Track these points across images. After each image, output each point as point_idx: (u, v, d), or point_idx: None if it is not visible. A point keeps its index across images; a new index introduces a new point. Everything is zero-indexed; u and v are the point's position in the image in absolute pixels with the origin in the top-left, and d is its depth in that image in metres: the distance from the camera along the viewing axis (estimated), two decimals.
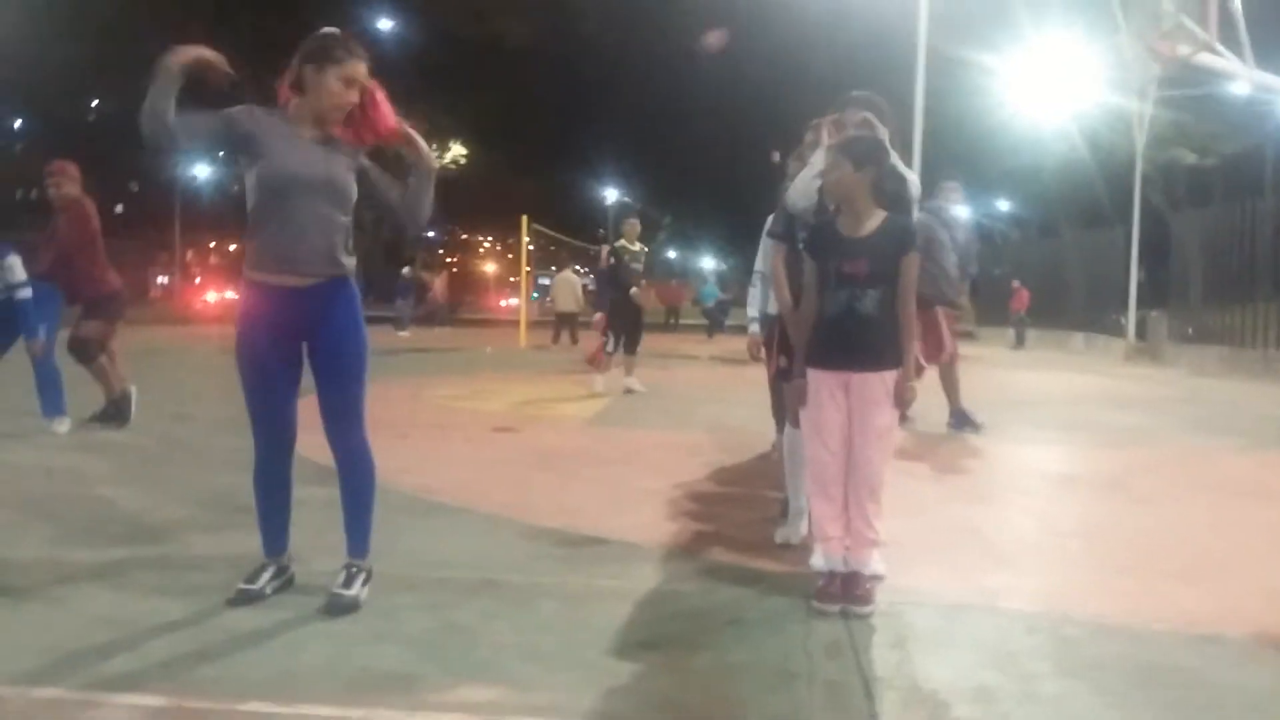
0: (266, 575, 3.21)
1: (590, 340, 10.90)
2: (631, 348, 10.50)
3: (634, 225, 10.87)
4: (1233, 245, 17.65)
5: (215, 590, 3.20)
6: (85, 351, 6.66)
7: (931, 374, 7.48)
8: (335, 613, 3.05)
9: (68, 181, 6.57)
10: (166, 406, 7.84)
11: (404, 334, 23.85)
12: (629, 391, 10.09)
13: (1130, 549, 4.22)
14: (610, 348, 10.38)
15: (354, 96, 3.11)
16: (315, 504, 3.81)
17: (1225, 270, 17.97)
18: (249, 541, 3.33)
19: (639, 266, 10.55)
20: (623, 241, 10.72)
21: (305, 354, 3.16)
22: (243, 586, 3.16)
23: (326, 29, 3.20)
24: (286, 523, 3.30)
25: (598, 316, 11.41)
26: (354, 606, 3.09)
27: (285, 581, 3.26)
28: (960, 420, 7.66)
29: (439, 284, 28.09)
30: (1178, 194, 31.27)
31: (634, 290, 10.35)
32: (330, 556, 3.57)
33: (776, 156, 4.67)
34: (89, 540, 3.89)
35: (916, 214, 7.94)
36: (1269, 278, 16.27)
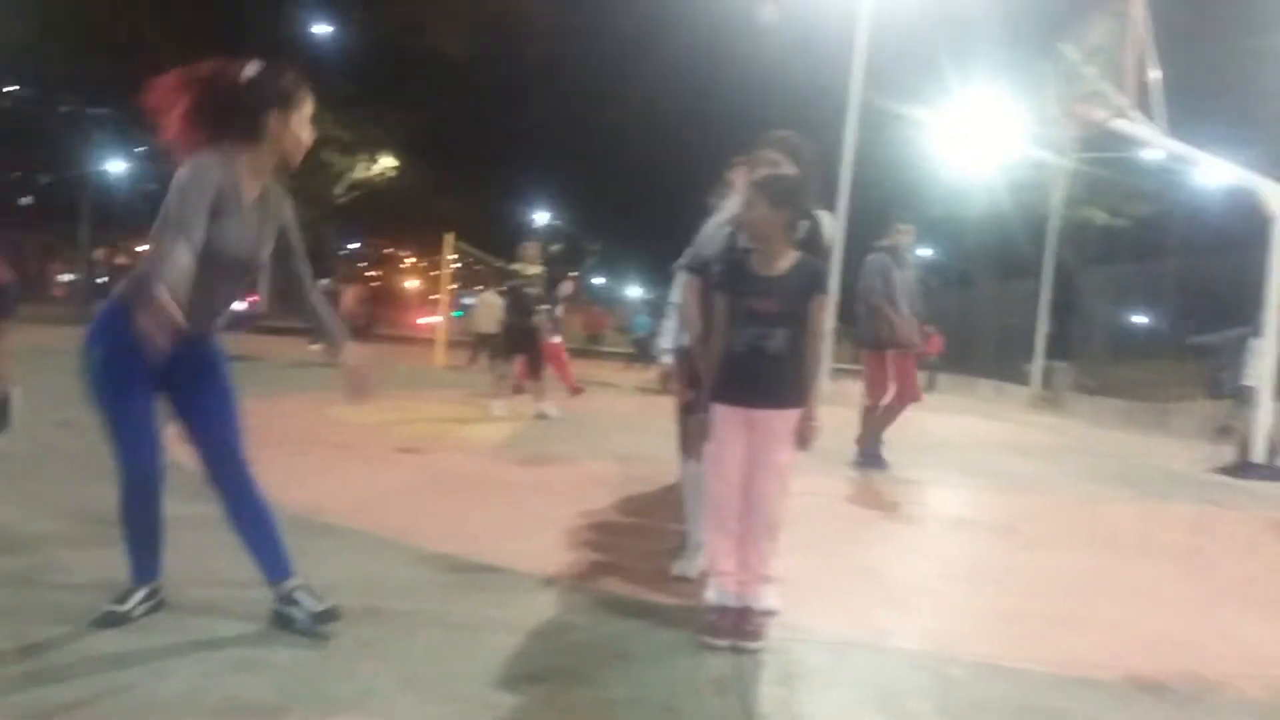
0: (137, 597, 3.06)
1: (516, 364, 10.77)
2: (535, 373, 10.43)
3: (530, 248, 10.69)
4: (1135, 303, 18.41)
5: (80, 612, 3.03)
6: None
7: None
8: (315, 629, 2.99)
9: None
10: (51, 411, 7.49)
11: (315, 347, 23.37)
12: (542, 416, 10.00)
13: (1017, 593, 4.30)
14: (503, 370, 10.31)
15: (309, 137, 3.01)
16: (193, 522, 3.66)
17: (1127, 327, 18.71)
18: (121, 560, 3.17)
19: (535, 291, 10.45)
20: (517, 265, 10.59)
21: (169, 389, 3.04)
22: (109, 608, 3.01)
23: (273, 65, 3.04)
24: (159, 546, 3.14)
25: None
26: (335, 616, 3.02)
27: (155, 604, 3.11)
28: (868, 459, 7.79)
29: (347, 298, 27.60)
30: (1088, 252, 32.51)
31: (534, 319, 10.24)
32: (206, 578, 3.44)
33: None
34: None
35: (872, 254, 8.04)
36: (1168, 336, 16.99)
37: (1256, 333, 10.56)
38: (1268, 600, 4.51)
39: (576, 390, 12.71)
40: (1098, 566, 5.03)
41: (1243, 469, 9.45)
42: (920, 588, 4.33)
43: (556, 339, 12.11)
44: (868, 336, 7.93)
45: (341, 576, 3.69)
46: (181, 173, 2.83)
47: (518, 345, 10.42)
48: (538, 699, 2.70)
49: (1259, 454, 9.48)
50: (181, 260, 2.69)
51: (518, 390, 10.67)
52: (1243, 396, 10.75)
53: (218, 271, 2.90)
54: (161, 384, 2.99)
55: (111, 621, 2.97)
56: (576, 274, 70.53)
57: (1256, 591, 4.68)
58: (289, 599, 3.05)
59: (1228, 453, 10.06)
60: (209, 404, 3.09)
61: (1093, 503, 7.26)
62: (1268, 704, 3.04)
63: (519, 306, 10.38)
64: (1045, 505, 6.96)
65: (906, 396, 7.89)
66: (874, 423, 7.95)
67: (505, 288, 10.88)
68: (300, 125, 2.98)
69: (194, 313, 2.79)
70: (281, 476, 4.89)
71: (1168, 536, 6.10)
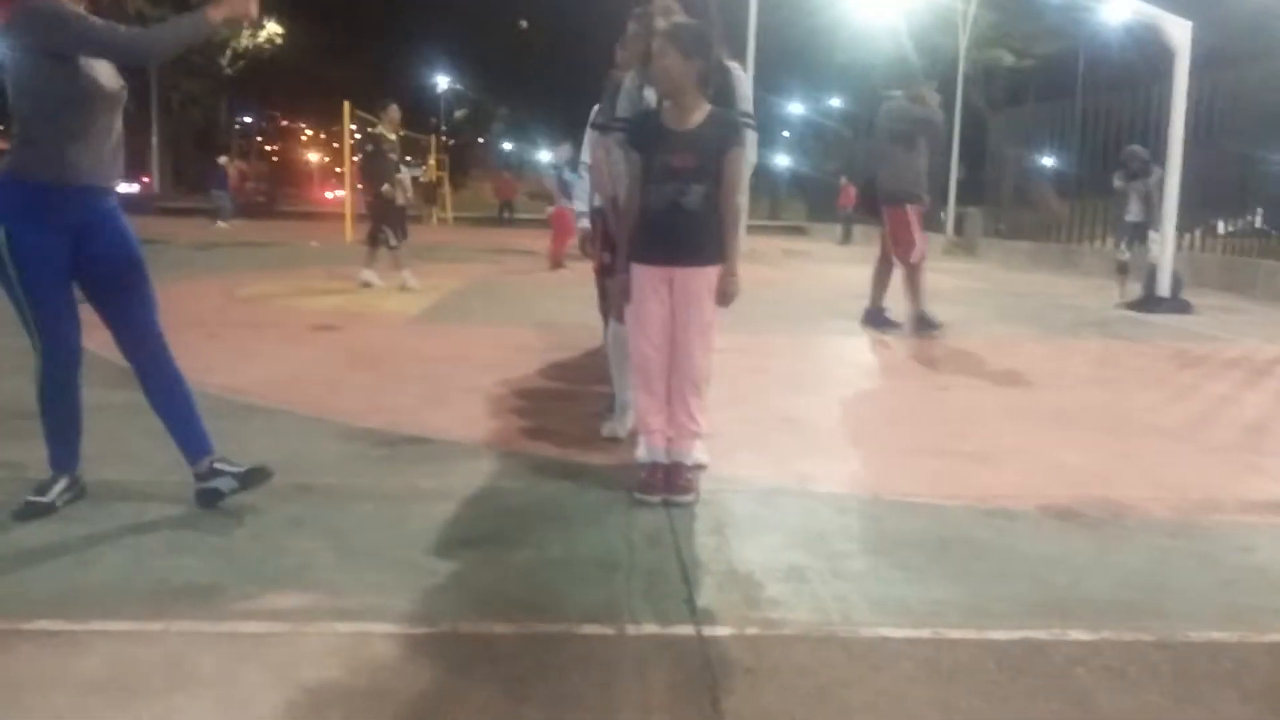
0: (58, 488, 2.98)
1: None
2: (387, 241, 10.15)
3: (394, 112, 10.23)
4: (1043, 145, 18.67)
5: None
6: None
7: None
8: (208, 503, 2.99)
9: None
10: None
11: (223, 225, 22.51)
12: (403, 288, 9.79)
13: (935, 433, 4.46)
14: (392, 242, 10.00)
15: None
16: (112, 409, 3.54)
17: (1036, 169, 19.03)
18: (37, 450, 3.07)
19: (396, 157, 10.13)
20: (380, 129, 10.17)
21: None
22: (30, 499, 2.94)
23: None
24: (78, 433, 3.05)
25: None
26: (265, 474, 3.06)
27: (77, 493, 3.03)
28: (921, 324, 7.48)
29: (233, 173, 26.43)
30: (996, 95, 32.71)
31: (385, 187, 9.85)
32: (127, 464, 3.36)
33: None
34: None
35: (901, 103, 7.48)
36: (1074, 176, 17.36)
37: (1130, 172, 10.86)
38: (1172, 427, 4.76)
39: (557, 266, 12.45)
40: (1011, 403, 5.24)
41: (1148, 304, 9.84)
42: (842, 433, 4.47)
43: (565, 205, 11.57)
44: (892, 189, 7.45)
45: (267, 456, 3.60)
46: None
47: (383, 213, 10.04)
48: (475, 562, 2.73)
49: (1164, 288, 9.86)
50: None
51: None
52: (1126, 231, 11.15)
53: (100, 108, 2.89)
54: (72, 262, 2.91)
55: (34, 513, 2.91)
56: (482, 139, 68.39)
57: (1161, 419, 4.94)
58: (211, 473, 3.03)
59: (1134, 289, 10.46)
60: (120, 279, 2.98)
61: (1006, 342, 7.51)
62: (1175, 522, 3.23)
63: (378, 173, 9.95)
64: (960, 347, 7.18)
65: (921, 252, 7.53)
66: (914, 283, 7.56)
67: (364, 151, 10.38)
68: None
69: (90, 160, 2.86)
70: (197, 359, 4.76)
71: (1077, 371, 6.37)
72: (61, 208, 2.86)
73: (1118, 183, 11.17)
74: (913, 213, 7.39)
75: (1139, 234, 10.93)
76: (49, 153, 2.82)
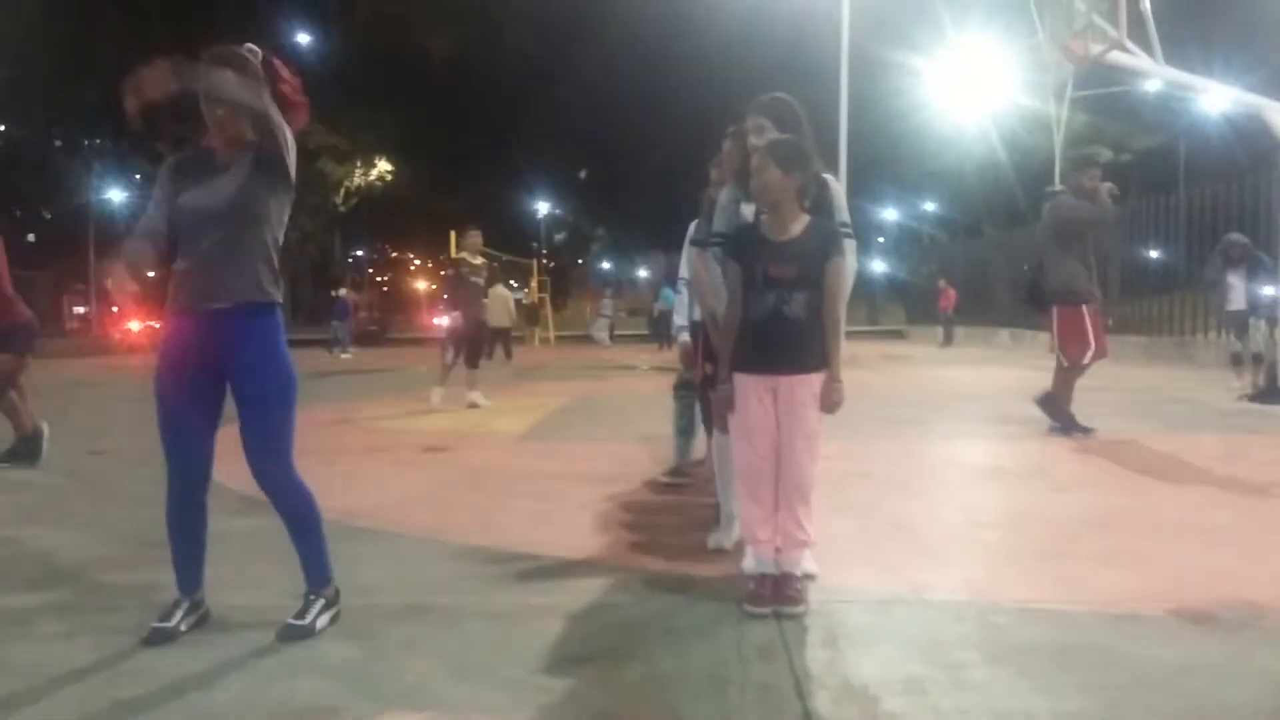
0: (180, 612, 3.10)
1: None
2: (473, 362, 10.41)
3: (475, 237, 10.52)
4: (1149, 238, 18.25)
5: (128, 631, 3.07)
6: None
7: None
8: (286, 639, 3.01)
9: None
10: (80, 442, 7.58)
11: (346, 355, 23.53)
12: (473, 406, 10.03)
13: (1052, 536, 4.30)
14: (449, 359, 10.23)
15: (217, 110, 3.06)
16: (236, 536, 3.70)
17: (1142, 263, 18.56)
18: (163, 578, 3.22)
19: (479, 280, 10.42)
20: (463, 254, 10.49)
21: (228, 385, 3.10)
22: (156, 625, 3.05)
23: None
24: (201, 557, 3.19)
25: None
26: (307, 634, 3.03)
27: (200, 618, 3.15)
28: (1067, 424, 7.34)
29: (351, 303, 27.75)
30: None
31: (481, 314, 10.25)
32: (253, 590, 3.48)
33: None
34: None
35: (1069, 201, 7.38)
36: (1183, 268, 16.85)
37: (1230, 260, 10.55)
38: None
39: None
40: (1133, 503, 5.02)
41: (1271, 395, 9.39)
42: (956, 538, 4.34)
43: None
44: (1061, 290, 7.28)
45: (382, 577, 3.74)
46: None
47: (461, 334, 10.25)
48: (588, 679, 2.72)
49: None
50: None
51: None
52: (1233, 322, 10.75)
53: (202, 225, 3.05)
54: (212, 383, 3.07)
55: (160, 638, 3.01)
56: (580, 261, 70.05)
57: None
58: (303, 598, 3.15)
59: (1255, 381, 10.00)
60: (249, 394, 3.08)
61: (1122, 440, 7.23)
62: None
63: (461, 296, 10.22)
64: (1074, 447, 6.94)
65: (1101, 352, 7.32)
66: (1065, 384, 7.43)
67: (449, 275, 10.71)
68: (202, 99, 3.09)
69: (203, 274, 3.02)
70: (313, 484, 4.95)
71: (1201, 467, 6.07)
72: (196, 333, 3.07)
73: (1210, 274, 10.89)
74: (1088, 312, 7.20)
75: (1244, 323, 10.57)
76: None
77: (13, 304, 6.46)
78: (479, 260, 10.52)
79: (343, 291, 27.46)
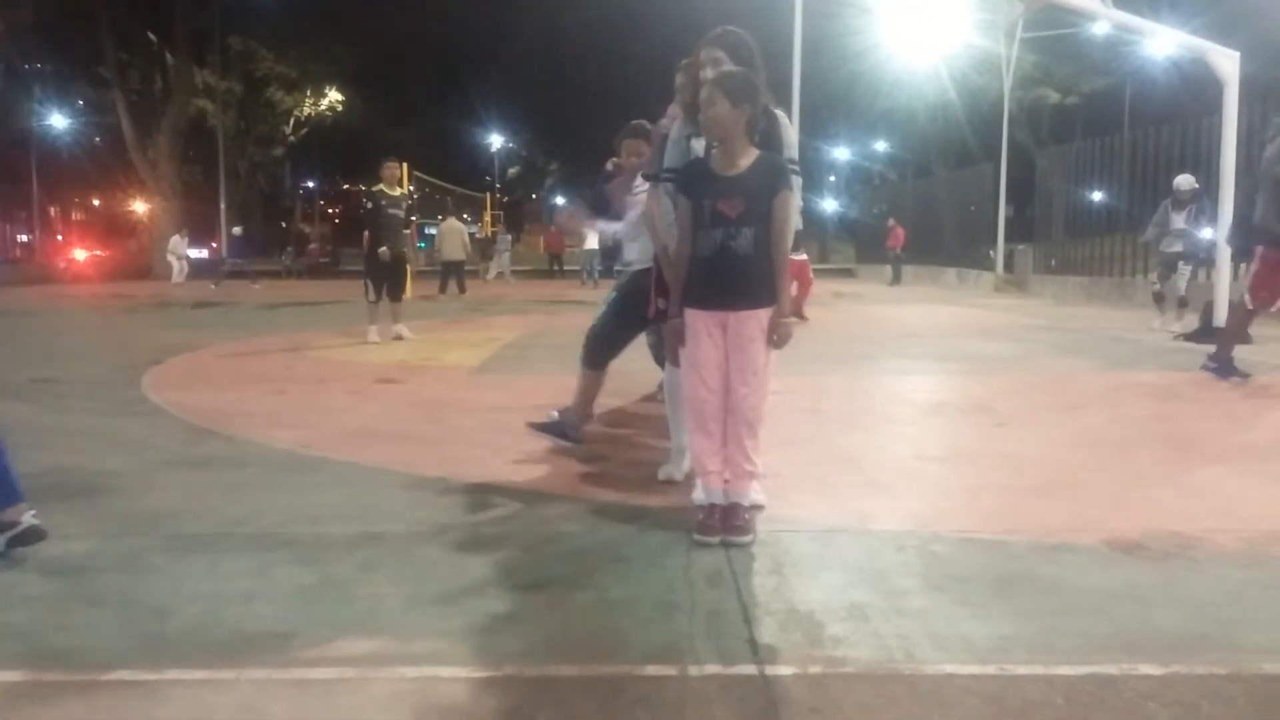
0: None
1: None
2: (396, 294, 10.32)
3: (392, 169, 10.33)
4: (1092, 180, 18.50)
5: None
6: None
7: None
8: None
9: None
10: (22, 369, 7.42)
11: (255, 287, 23.24)
12: (398, 339, 10.01)
13: (994, 468, 4.43)
14: (371, 297, 10.09)
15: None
16: (184, 466, 3.64)
17: (1086, 204, 18.84)
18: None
19: (398, 212, 10.20)
20: (380, 186, 10.20)
21: None
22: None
23: None
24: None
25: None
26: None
27: (17, 537, 3.09)
28: (1226, 368, 6.99)
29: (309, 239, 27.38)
30: (1042, 132, 32.54)
31: (382, 249, 9.93)
32: (201, 518, 3.47)
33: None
34: None
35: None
36: (1124, 210, 17.15)
37: (1177, 202, 10.76)
38: (1237, 457, 4.67)
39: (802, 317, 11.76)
40: (1070, 436, 5.18)
41: (1206, 335, 9.65)
42: (900, 471, 4.45)
43: (802, 256, 11.43)
44: (1271, 233, 6.73)
45: (336, 506, 3.75)
46: None
47: (378, 267, 10.09)
48: (540, 605, 2.77)
49: (1221, 319, 9.68)
50: None
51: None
52: (1162, 262, 11.03)
53: None
54: None
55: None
56: (535, 195, 69.49)
57: (1226, 450, 4.84)
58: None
59: (1191, 319, 10.29)
60: None
61: (1062, 377, 7.42)
62: (1245, 554, 3.17)
63: (386, 229, 10.03)
64: (1016, 383, 7.12)
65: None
66: (1239, 325, 7.12)
67: (366, 207, 10.36)
68: None
69: None
70: (266, 414, 4.92)
71: (1136, 403, 6.27)
72: None
73: (1158, 216, 11.07)
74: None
75: (1173, 265, 10.84)
76: None
77: None
78: (397, 191, 10.32)
79: (237, 230, 26.90)
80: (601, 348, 4.48)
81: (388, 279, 10.17)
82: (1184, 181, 11.01)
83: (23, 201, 35.70)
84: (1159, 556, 3.14)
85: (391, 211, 10.07)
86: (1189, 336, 9.87)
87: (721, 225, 3.30)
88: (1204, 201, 10.80)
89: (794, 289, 11.16)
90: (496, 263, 29.67)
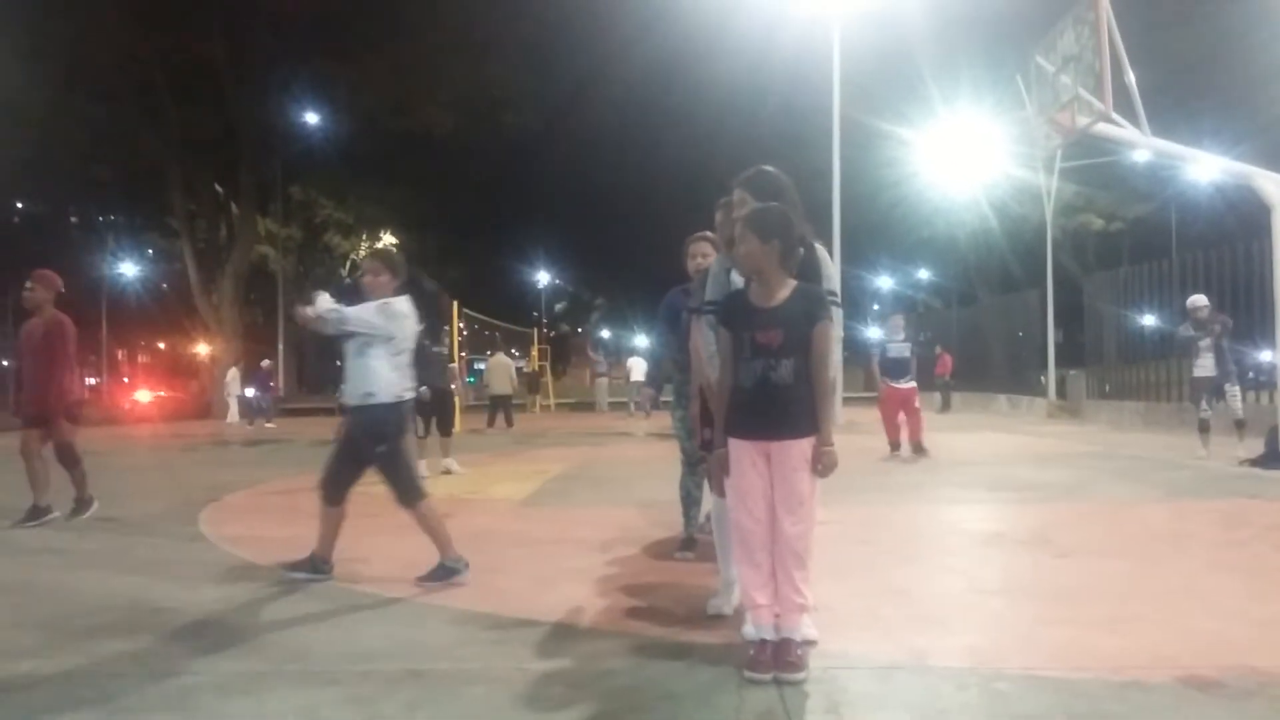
0: None
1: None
2: (445, 429, 10.53)
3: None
4: (1142, 304, 18.38)
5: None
6: (69, 455, 7.13)
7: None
8: None
9: (42, 290, 7.03)
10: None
11: (270, 426, 23.38)
12: (447, 472, 10.11)
13: (1056, 602, 4.28)
14: (420, 432, 10.04)
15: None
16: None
17: (1138, 329, 18.67)
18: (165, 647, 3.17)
19: (442, 350, 10.54)
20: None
21: None
22: None
23: None
24: None
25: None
26: None
27: None
28: None
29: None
30: (1087, 257, 32.63)
31: (422, 389, 9.50)
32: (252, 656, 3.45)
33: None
34: None
35: None
36: (1176, 335, 16.93)
37: (1198, 324, 10.55)
38: None
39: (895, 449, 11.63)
40: (1135, 569, 5.00)
41: (1271, 460, 9.38)
42: (957, 604, 4.31)
43: (889, 383, 11.74)
44: None
45: (383, 643, 3.72)
46: None
47: (427, 404, 9.99)
48: None
49: None
50: None
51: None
52: (1198, 388, 10.72)
53: None
54: None
55: None
56: (580, 329, 70.50)
57: None
58: None
59: (1254, 445, 10.00)
60: None
61: (1122, 506, 7.21)
62: None
63: (427, 367, 9.78)
64: (1075, 512, 6.92)
65: None
66: None
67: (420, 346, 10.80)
68: None
69: None
70: (307, 553, 4.94)
71: (1203, 533, 6.05)
72: None
73: (1184, 332, 10.80)
74: None
75: (1214, 389, 10.50)
76: None
77: (77, 380, 7.35)
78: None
79: (265, 362, 27.49)
80: (332, 486, 4.86)
81: (435, 414, 10.37)
82: (1198, 300, 10.77)
83: (92, 345, 37.15)
84: (1238, 695, 2.99)
85: (435, 350, 10.34)
86: (1255, 462, 9.58)
87: (761, 356, 3.33)
88: (1224, 320, 10.62)
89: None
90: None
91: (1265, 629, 3.76)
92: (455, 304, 20.99)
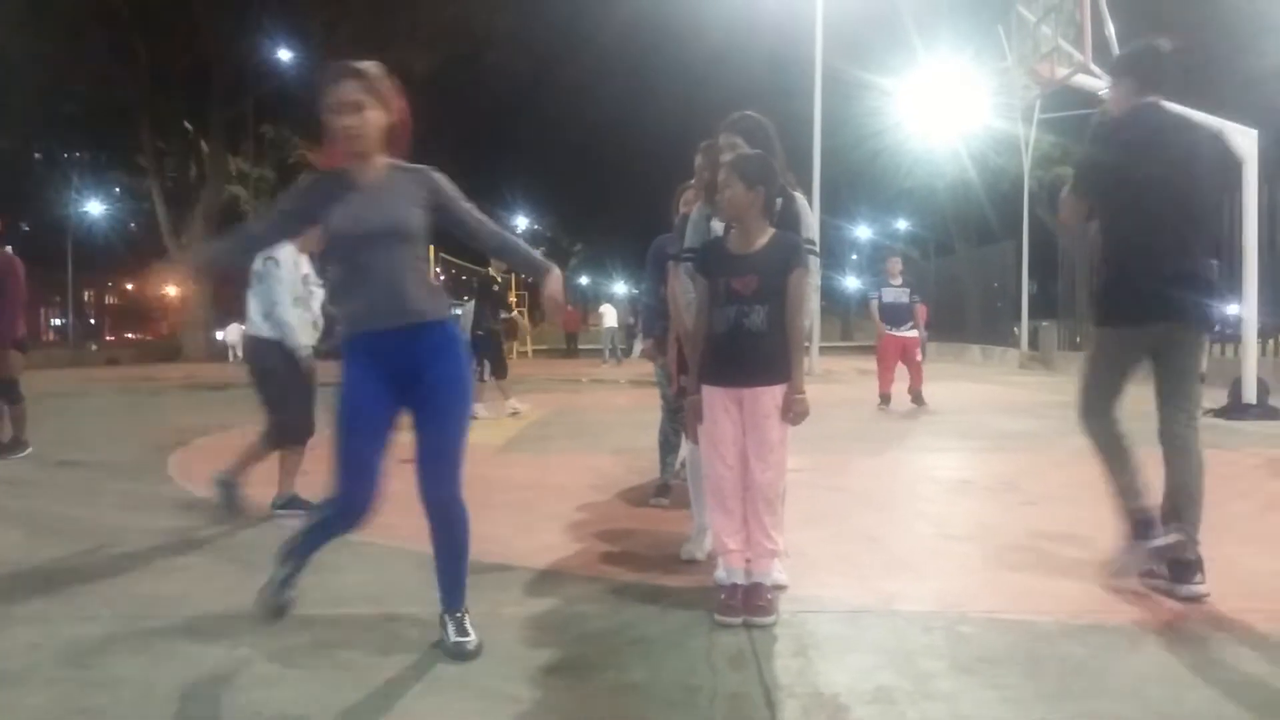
0: None
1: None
2: (500, 372, 10.77)
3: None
4: None
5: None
6: (14, 391, 7.27)
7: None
8: (457, 657, 2.95)
9: None
10: (50, 451, 7.52)
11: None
12: (514, 414, 10.32)
13: (1020, 548, 4.37)
14: (480, 377, 10.41)
15: (349, 119, 3.00)
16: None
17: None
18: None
19: (502, 293, 10.96)
20: (492, 268, 10.67)
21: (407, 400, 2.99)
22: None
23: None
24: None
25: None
26: (477, 652, 2.97)
27: None
28: None
29: None
30: None
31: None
32: (223, 597, 3.47)
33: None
34: None
35: None
36: None
37: None
38: (1269, 536, 4.58)
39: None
40: (1098, 516, 5.07)
41: (1235, 410, 9.54)
42: (925, 550, 4.39)
43: (889, 331, 11.50)
44: None
45: (356, 587, 3.74)
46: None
47: (487, 347, 10.57)
48: (559, 689, 2.74)
49: (1250, 395, 9.57)
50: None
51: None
52: None
53: (360, 247, 2.98)
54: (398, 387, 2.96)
55: None
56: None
57: (1257, 528, 4.76)
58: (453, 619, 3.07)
59: (1218, 396, 10.15)
60: (425, 407, 3.01)
61: (1087, 454, 7.28)
62: (1277, 634, 3.09)
63: (494, 309, 10.64)
64: (1042, 461, 7.03)
65: None
66: None
67: (476, 290, 11.00)
68: (328, 114, 3.06)
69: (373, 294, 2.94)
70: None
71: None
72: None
73: None
74: None
75: None
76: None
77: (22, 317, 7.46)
78: (504, 275, 10.96)
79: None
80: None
81: (488, 358, 10.65)
82: None
83: (57, 287, 36.52)
84: (1192, 638, 3.07)
85: (499, 293, 10.88)
86: (1218, 412, 9.74)
87: (735, 302, 3.34)
88: None
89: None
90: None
91: (1222, 574, 3.84)
92: (430, 249, 20.79)
